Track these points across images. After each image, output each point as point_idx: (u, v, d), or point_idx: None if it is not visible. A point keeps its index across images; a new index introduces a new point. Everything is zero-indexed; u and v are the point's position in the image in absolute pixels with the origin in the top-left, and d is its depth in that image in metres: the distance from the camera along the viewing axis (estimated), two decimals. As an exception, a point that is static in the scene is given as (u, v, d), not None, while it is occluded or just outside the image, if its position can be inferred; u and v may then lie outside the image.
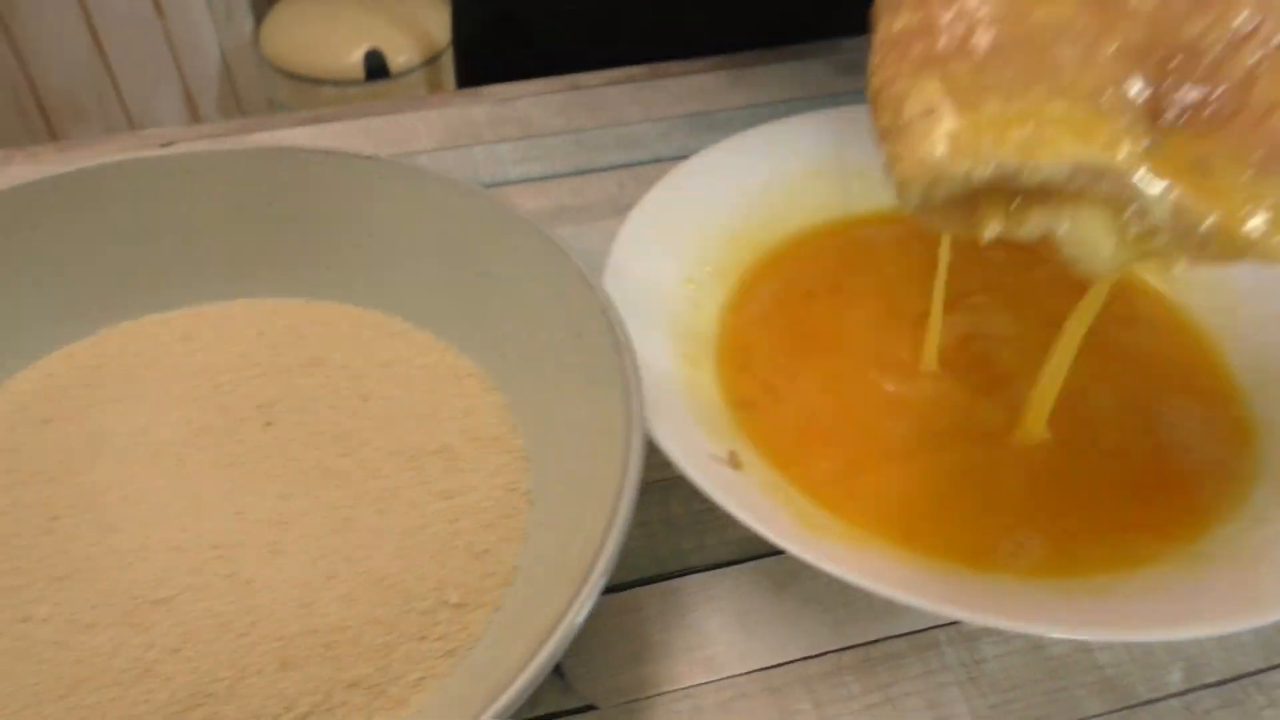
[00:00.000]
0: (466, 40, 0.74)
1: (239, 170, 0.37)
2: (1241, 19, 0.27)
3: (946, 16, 0.28)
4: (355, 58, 1.53)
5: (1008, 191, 0.27)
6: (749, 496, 0.32)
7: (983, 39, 0.27)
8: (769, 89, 0.54)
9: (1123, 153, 0.26)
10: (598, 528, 0.26)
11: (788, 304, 0.40)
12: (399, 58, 1.55)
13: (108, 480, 0.31)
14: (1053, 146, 0.25)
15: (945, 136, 0.26)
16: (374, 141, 0.50)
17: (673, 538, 0.35)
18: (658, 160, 0.50)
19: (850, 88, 0.55)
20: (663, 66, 0.56)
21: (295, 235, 0.38)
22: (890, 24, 0.29)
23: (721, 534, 0.35)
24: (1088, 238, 0.27)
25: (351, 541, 0.30)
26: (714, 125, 0.52)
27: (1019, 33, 0.27)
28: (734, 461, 0.33)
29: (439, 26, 1.60)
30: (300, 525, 0.30)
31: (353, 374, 0.35)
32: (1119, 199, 0.27)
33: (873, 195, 0.43)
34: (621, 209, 0.47)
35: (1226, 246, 0.27)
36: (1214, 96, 0.27)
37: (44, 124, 1.63)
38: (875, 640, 0.32)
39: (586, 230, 0.46)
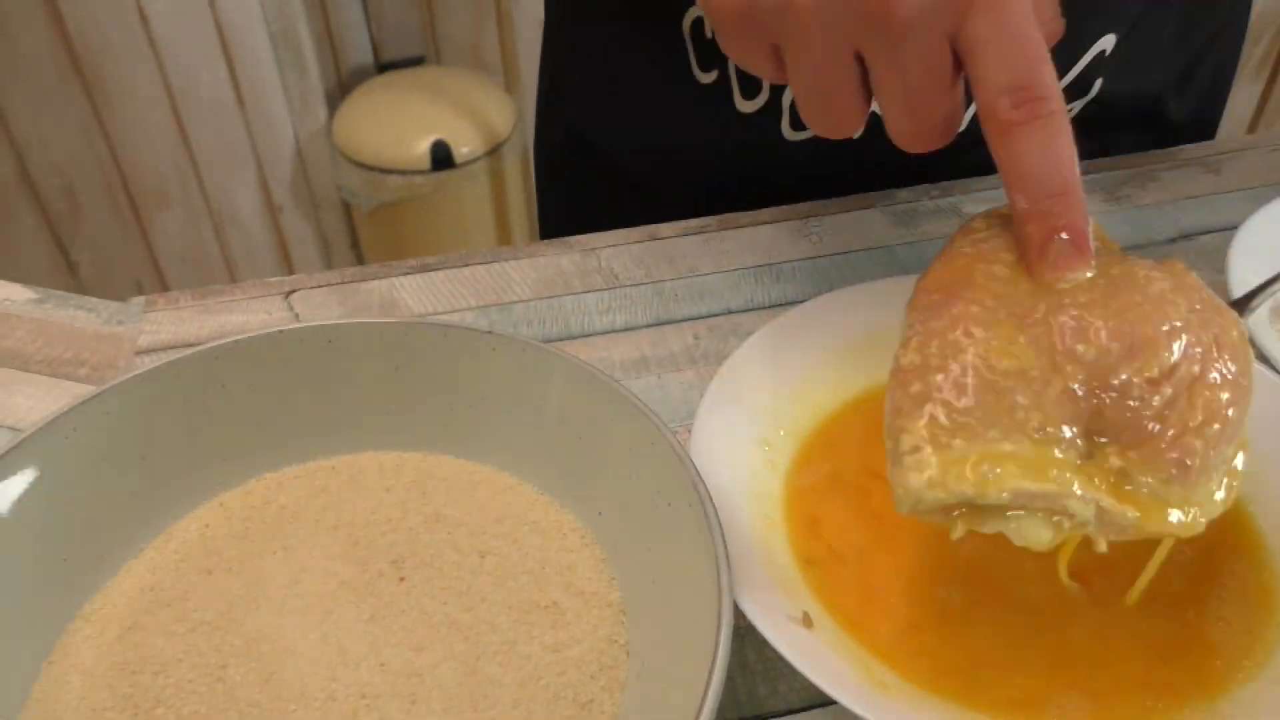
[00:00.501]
0: (542, 151, 0.81)
1: (373, 340, 0.43)
2: (1159, 366, 0.36)
3: (937, 361, 0.37)
4: (422, 149, 1.61)
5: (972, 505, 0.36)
6: (818, 653, 0.36)
7: (960, 383, 0.36)
8: (829, 241, 0.60)
9: (1055, 478, 0.35)
10: (699, 679, 0.31)
11: (852, 468, 0.45)
12: (463, 148, 1.63)
13: (266, 630, 0.37)
14: (998, 482, 0.35)
15: (924, 472, 0.35)
16: (476, 292, 0.56)
17: (749, 682, 0.39)
18: (728, 312, 0.55)
19: (905, 239, 0.60)
20: (731, 218, 0.61)
21: (416, 395, 0.43)
22: (900, 357, 0.38)
23: (793, 680, 0.39)
24: (1029, 534, 0.36)
25: (476, 692, 0.35)
26: (780, 276, 0.57)
27: (987, 380, 0.36)
28: (806, 622, 0.38)
29: (501, 118, 1.68)
30: (434, 676, 0.35)
31: (470, 530, 0.40)
32: (1054, 509, 0.36)
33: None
34: (696, 359, 0.52)
35: (1141, 533, 0.36)
36: (1136, 423, 0.36)
37: (131, 209, 1.72)
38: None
39: (666, 380, 0.51)
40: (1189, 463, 0.36)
